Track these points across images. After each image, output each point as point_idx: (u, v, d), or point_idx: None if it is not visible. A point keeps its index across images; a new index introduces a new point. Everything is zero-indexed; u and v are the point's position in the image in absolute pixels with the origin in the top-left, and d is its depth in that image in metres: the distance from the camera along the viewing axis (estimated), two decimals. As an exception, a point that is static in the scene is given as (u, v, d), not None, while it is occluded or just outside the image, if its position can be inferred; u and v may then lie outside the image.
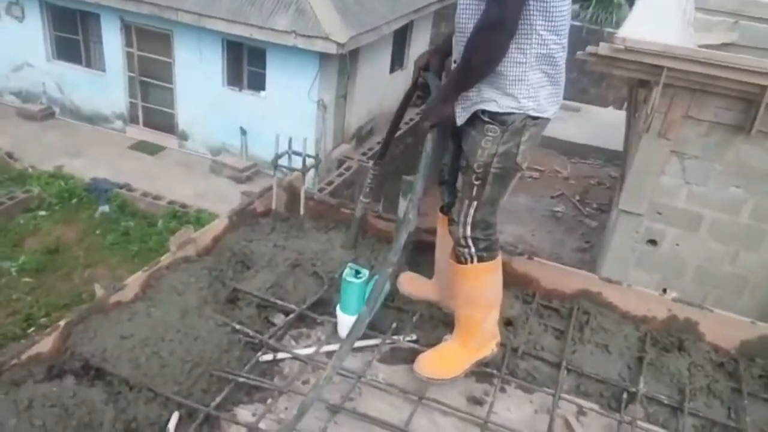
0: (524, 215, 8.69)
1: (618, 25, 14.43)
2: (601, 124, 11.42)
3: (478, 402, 2.23)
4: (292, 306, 2.53)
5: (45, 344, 2.11)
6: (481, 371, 2.35)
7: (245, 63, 9.86)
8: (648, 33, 4.68)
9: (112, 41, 10.34)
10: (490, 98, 2.04)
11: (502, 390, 2.29)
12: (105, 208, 8.50)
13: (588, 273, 2.84)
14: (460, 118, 2.12)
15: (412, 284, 2.66)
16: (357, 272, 2.28)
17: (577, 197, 9.45)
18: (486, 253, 2.19)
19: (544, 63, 2.01)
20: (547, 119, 2.11)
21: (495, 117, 2.04)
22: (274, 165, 2.98)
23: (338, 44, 8.63)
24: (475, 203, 2.12)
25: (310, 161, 3.16)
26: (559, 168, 10.30)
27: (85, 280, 7.31)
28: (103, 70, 10.68)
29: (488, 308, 2.27)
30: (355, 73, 10.28)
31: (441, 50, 2.36)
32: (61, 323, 2.17)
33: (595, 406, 2.27)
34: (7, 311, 6.84)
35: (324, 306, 2.57)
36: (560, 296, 2.73)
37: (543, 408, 2.24)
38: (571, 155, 10.67)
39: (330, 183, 9.03)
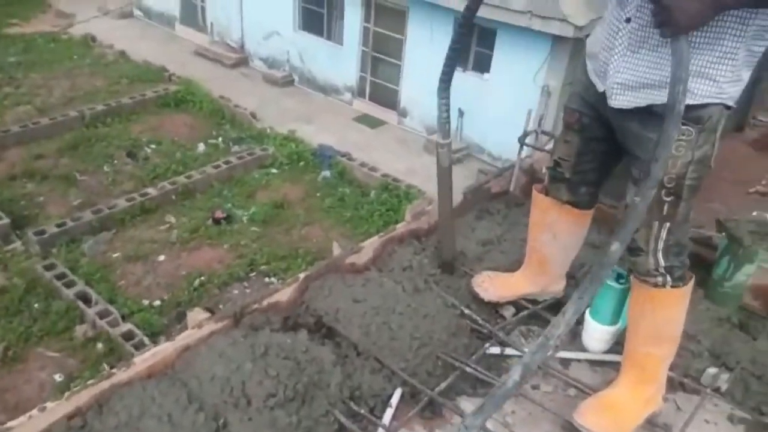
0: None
1: None
2: None
3: None
4: (526, 303, 2.30)
5: (284, 294, 2.14)
6: None
7: (474, 43, 9.71)
8: None
9: (352, 16, 10.86)
10: None
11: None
12: (326, 173, 9.03)
13: None
14: (627, 98, 1.65)
15: (497, 285, 2.27)
16: (619, 276, 1.96)
17: None
18: (681, 281, 1.83)
19: (759, 37, 1.51)
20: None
21: (688, 112, 1.48)
22: (521, 143, 2.75)
23: (576, 27, 8.07)
24: (667, 224, 1.73)
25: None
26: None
27: (302, 236, 7.83)
28: (341, 44, 11.29)
29: (672, 345, 1.92)
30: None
31: None
32: (301, 276, 2.19)
33: None
34: (235, 254, 7.57)
35: (561, 307, 2.29)
36: None
37: None
38: None
39: (547, 173, 8.56)
